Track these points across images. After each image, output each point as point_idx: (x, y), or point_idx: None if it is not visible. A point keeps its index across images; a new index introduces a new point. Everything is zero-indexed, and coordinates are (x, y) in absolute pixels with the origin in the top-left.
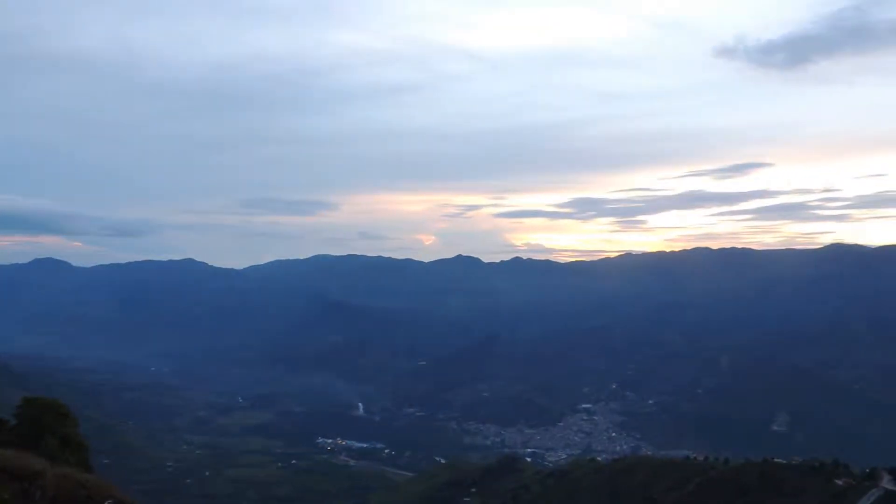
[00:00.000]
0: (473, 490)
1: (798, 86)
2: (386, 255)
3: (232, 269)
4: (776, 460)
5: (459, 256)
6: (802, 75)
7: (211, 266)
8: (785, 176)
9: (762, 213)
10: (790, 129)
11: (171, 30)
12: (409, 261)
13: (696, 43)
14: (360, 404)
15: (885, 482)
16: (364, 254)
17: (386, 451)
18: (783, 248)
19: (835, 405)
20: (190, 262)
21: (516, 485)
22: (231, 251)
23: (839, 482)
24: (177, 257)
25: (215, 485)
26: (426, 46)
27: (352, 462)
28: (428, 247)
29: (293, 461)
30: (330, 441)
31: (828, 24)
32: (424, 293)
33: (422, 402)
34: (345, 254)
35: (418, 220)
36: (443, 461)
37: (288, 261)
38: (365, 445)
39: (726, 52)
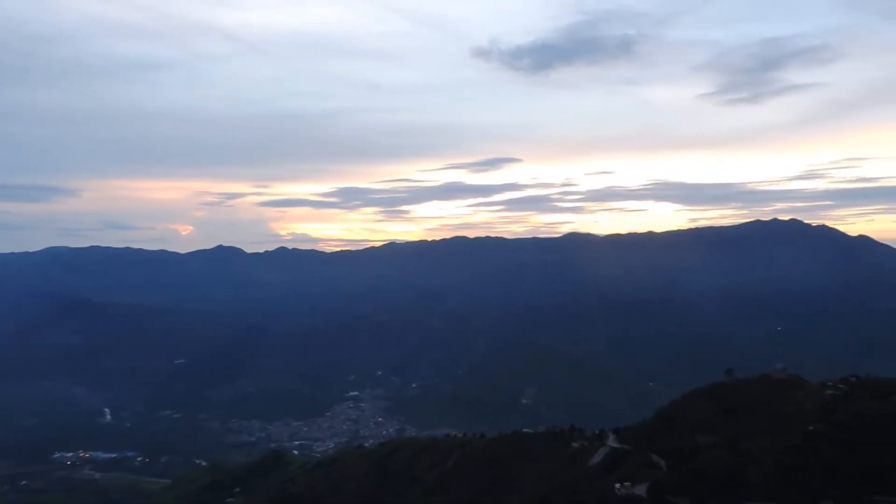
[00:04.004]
0: (237, 490)
1: (542, 89)
2: (135, 246)
3: None
4: (525, 430)
5: (220, 247)
6: (545, 80)
7: None
8: (531, 171)
9: (512, 204)
10: (535, 128)
11: None
12: (162, 252)
13: (455, 42)
14: (106, 411)
15: (611, 441)
16: (109, 245)
17: (139, 458)
18: (529, 236)
19: (572, 377)
20: None
21: (283, 479)
22: None
23: (575, 444)
24: None
25: None
26: (178, 21)
27: (98, 475)
28: (184, 237)
29: (23, 482)
30: (70, 455)
31: (566, 35)
32: (181, 286)
33: (179, 402)
34: (86, 245)
35: (173, 208)
36: (203, 463)
37: (14, 254)
38: (114, 455)
39: (482, 54)
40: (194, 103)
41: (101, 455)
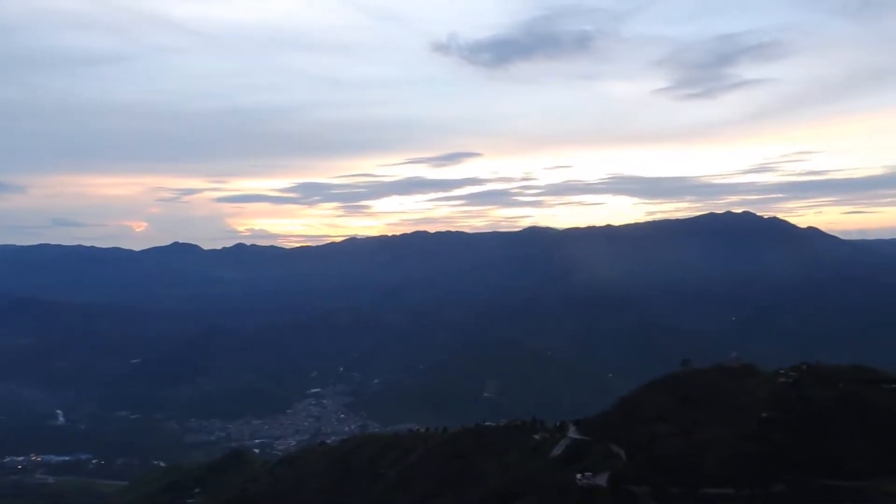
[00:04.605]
0: (197, 490)
1: (501, 83)
2: (87, 243)
3: None
4: (487, 424)
5: (176, 244)
6: (504, 74)
7: None
8: (491, 165)
9: (472, 198)
10: (495, 122)
11: None
12: (116, 249)
13: (414, 37)
14: (59, 412)
15: (572, 432)
16: (60, 243)
17: (94, 461)
18: (490, 230)
19: (533, 371)
20: None
21: (244, 478)
22: None
23: (537, 437)
24: None
25: None
26: (131, 14)
27: (51, 479)
28: (139, 234)
29: None
30: (21, 458)
31: (524, 30)
32: (136, 284)
33: (136, 403)
34: (35, 244)
35: (126, 205)
36: (162, 464)
37: None
38: (67, 458)
39: (441, 48)
40: (148, 98)
41: (54, 458)
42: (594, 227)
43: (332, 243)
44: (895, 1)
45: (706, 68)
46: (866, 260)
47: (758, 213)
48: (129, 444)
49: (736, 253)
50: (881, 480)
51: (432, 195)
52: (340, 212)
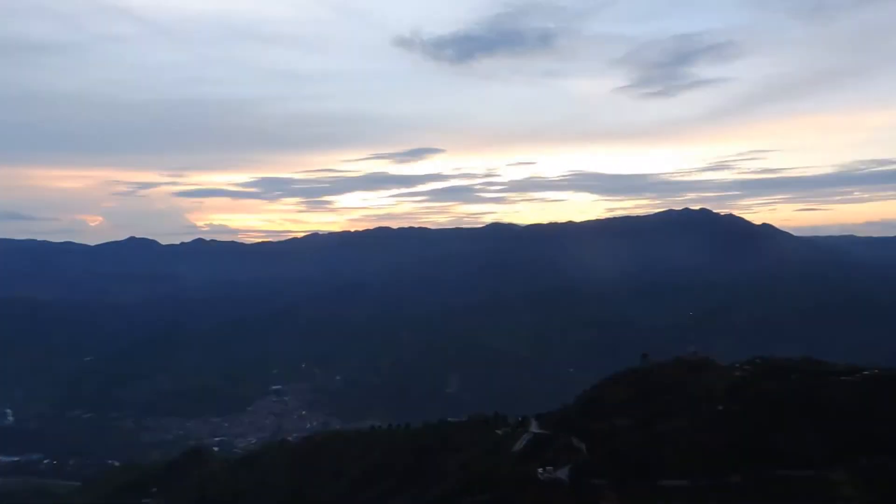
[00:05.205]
0: (154, 490)
1: (465, 79)
2: (39, 238)
3: None
4: (450, 420)
5: (133, 239)
6: (468, 70)
7: None
8: (454, 161)
9: (435, 194)
10: (458, 118)
11: None
12: (69, 244)
13: (377, 31)
14: (8, 412)
15: (533, 427)
16: (9, 237)
17: (45, 461)
18: (453, 227)
19: (496, 366)
20: None
21: (203, 477)
22: None
23: (499, 432)
24: None
25: None
26: (82, 1)
27: None
28: (93, 228)
29: None
30: None
31: (487, 26)
32: (90, 280)
33: (90, 402)
34: None
35: (80, 198)
36: (117, 464)
37: None
38: (17, 459)
39: (404, 43)
40: (103, 88)
41: (3, 459)
42: (556, 224)
43: (294, 239)
44: (847, 3)
45: (665, 67)
46: (818, 256)
47: (714, 210)
48: (83, 443)
49: (693, 249)
50: (830, 469)
51: (395, 191)
52: (302, 207)
